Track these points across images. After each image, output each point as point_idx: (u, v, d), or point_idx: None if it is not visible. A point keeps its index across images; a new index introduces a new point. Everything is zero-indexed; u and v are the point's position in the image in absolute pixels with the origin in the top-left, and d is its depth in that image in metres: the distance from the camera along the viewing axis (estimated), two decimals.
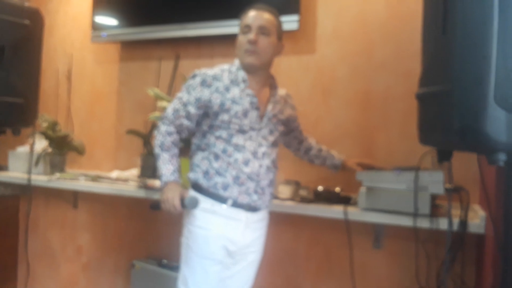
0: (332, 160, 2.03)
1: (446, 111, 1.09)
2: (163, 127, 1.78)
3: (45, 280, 3.11)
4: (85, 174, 2.69)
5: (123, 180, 2.55)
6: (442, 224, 1.69)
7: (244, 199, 1.72)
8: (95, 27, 2.88)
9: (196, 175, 1.77)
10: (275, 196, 1.97)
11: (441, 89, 1.12)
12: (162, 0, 2.68)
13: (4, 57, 2.14)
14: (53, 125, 2.79)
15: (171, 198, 1.68)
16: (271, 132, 1.80)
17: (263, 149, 1.76)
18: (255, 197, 1.74)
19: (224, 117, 1.71)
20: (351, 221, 1.90)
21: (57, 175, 2.68)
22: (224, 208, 1.72)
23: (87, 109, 3.06)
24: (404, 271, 2.08)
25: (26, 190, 2.85)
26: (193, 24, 2.54)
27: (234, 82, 1.75)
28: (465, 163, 1.78)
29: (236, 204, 1.72)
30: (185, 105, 1.75)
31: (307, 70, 2.38)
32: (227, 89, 1.73)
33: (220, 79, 1.74)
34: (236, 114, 1.71)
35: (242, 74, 1.76)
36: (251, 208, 1.75)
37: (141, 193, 2.29)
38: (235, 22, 2.38)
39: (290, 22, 2.28)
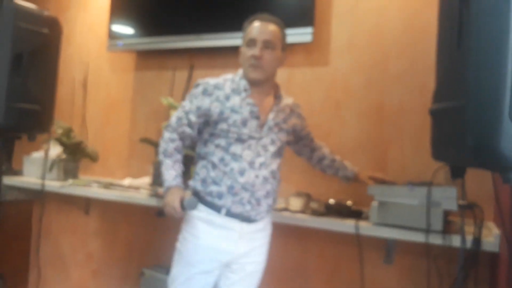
0: (345, 172, 2.01)
1: (459, 128, 1.07)
2: (166, 134, 1.83)
3: (55, 285, 3.13)
4: (98, 181, 2.71)
5: (135, 188, 2.57)
6: (455, 241, 1.67)
7: (237, 209, 1.72)
8: (112, 36, 2.93)
9: (195, 183, 1.80)
10: (274, 208, 1.94)
11: (455, 105, 1.11)
12: (177, 11, 2.71)
13: (22, 65, 2.17)
14: (68, 132, 2.82)
15: (171, 201, 1.71)
16: (272, 142, 1.79)
17: (261, 159, 1.74)
18: (248, 207, 1.73)
19: (223, 125, 1.73)
20: (362, 235, 1.88)
21: (70, 181, 2.71)
22: (219, 217, 1.73)
23: (102, 117, 3.10)
24: (416, 287, 2.05)
25: (40, 195, 2.89)
26: (207, 35, 2.56)
27: (235, 91, 1.77)
28: (479, 179, 1.75)
29: (230, 214, 1.73)
30: (187, 113, 1.79)
31: (320, 82, 2.38)
32: (227, 98, 1.75)
33: (221, 88, 1.77)
34: (234, 123, 1.73)
35: (244, 83, 1.77)
36: (246, 219, 1.75)
37: (153, 201, 2.29)
38: None
39: (304, 34, 2.29)
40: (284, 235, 2.34)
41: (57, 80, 2.45)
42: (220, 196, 1.73)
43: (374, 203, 1.84)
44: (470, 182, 1.58)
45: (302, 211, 2.06)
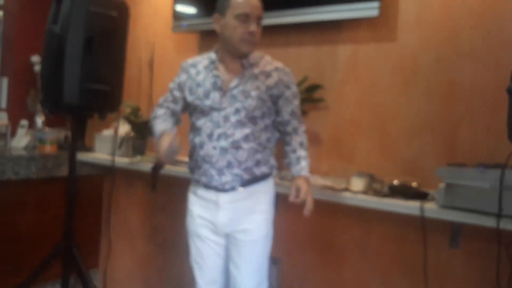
0: (291, 168, 1.87)
1: None
2: (155, 110, 2.00)
3: (124, 255, 3.32)
4: None
5: None
6: None
7: (203, 179, 1.85)
8: (176, 17, 2.98)
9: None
10: (248, 178, 1.84)
11: None
12: None
13: (93, 47, 2.28)
14: (136, 111, 2.95)
15: (160, 146, 1.77)
16: (236, 111, 1.77)
17: (219, 130, 1.78)
18: (211, 178, 1.81)
19: (191, 100, 1.85)
20: (427, 218, 1.82)
21: (138, 157, 2.83)
22: (199, 188, 1.89)
23: None
24: (483, 274, 1.96)
25: (110, 171, 3.05)
26: (268, 13, 2.50)
27: (207, 67, 1.86)
28: None
29: (205, 185, 1.86)
30: (171, 90, 1.97)
31: (387, 58, 2.29)
32: (198, 73, 1.87)
33: (196, 66, 1.89)
34: (198, 96, 1.82)
35: (213, 56, 1.85)
36: (220, 189, 1.82)
37: None
38: (308, 10, 2.37)
39: (370, 9, 2.20)
40: (346, 216, 2.31)
41: (125, 61, 2.54)
42: (192, 170, 1.91)
43: (442, 185, 1.77)
44: None
45: (364, 192, 2.03)
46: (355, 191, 2.04)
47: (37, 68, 3.25)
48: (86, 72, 2.28)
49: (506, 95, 1.41)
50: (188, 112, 1.95)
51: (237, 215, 1.85)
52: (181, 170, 2.55)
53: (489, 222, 1.64)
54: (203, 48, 3.01)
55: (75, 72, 2.25)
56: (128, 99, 3.00)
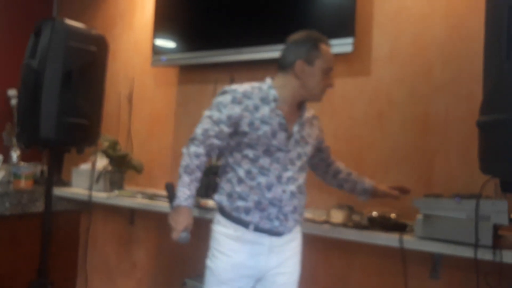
0: (363, 185, 1.94)
1: (510, 141, 1.04)
2: (192, 148, 1.69)
3: None
4: (142, 192, 2.78)
5: None
6: (506, 256, 1.60)
7: (265, 224, 1.69)
8: (155, 51, 3.02)
9: (220, 197, 1.76)
10: (301, 222, 1.87)
11: (505, 117, 1.07)
12: (218, 26, 2.77)
13: (72, 81, 2.27)
14: (114, 145, 2.92)
15: (176, 223, 1.66)
16: (299, 156, 1.76)
17: (288, 174, 1.71)
18: (276, 223, 1.70)
19: (253, 136, 1.68)
20: (407, 249, 1.83)
21: (116, 192, 2.79)
22: (247, 232, 1.70)
23: (146, 130, 3.19)
24: None
25: (87, 206, 3.00)
26: (247, 49, 2.60)
27: (264, 100, 1.71)
28: None
29: (258, 229, 1.70)
30: (216, 123, 1.69)
31: (362, 92, 2.35)
32: (256, 107, 1.70)
33: (250, 97, 1.71)
34: (265, 134, 1.68)
35: (273, 93, 1.72)
36: (274, 233, 1.72)
37: (195, 212, 2.32)
38: None
39: (344, 45, 2.27)
40: (326, 248, 2.31)
41: (104, 95, 2.54)
42: (247, 211, 1.69)
43: (419, 216, 1.80)
44: None
45: (344, 224, 2.03)
46: (335, 223, 2.04)
47: (14, 102, 3.22)
48: (64, 106, 2.26)
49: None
50: (235, 144, 1.73)
51: (285, 257, 1.78)
52: (160, 205, 2.52)
53: (467, 253, 1.66)
54: (182, 82, 3.04)
55: (52, 107, 2.24)
56: (107, 133, 2.98)
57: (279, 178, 1.69)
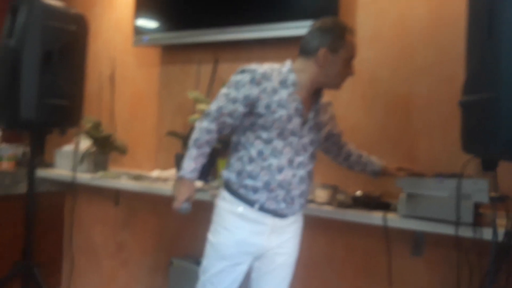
0: (373, 166, 1.99)
1: (492, 121, 1.05)
2: (204, 123, 1.72)
3: (88, 274, 3.23)
4: (127, 173, 2.77)
5: (163, 179, 2.61)
6: (487, 234, 1.63)
7: (271, 205, 1.72)
8: (137, 31, 2.96)
9: (229, 174, 1.78)
10: (306, 207, 1.91)
11: (487, 97, 1.08)
12: (201, 5, 2.72)
13: (52, 62, 2.23)
14: (97, 126, 2.89)
15: (179, 193, 1.74)
16: (311, 142, 1.77)
17: (300, 159, 1.73)
18: (283, 205, 1.73)
19: (268, 118, 1.67)
20: (390, 227, 1.87)
21: (100, 173, 2.77)
22: (251, 211, 1.73)
23: (129, 111, 3.15)
24: (445, 280, 2.02)
25: (71, 187, 2.97)
26: (231, 28, 2.56)
27: (283, 84, 1.70)
28: None
29: (263, 209, 1.72)
30: (232, 102, 1.69)
31: None
32: (274, 90, 1.68)
33: (269, 79, 1.69)
34: (280, 118, 1.67)
35: (292, 77, 1.71)
36: (278, 215, 1.75)
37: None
38: (272, 26, 2.42)
39: None
40: (311, 227, 2.32)
41: (85, 76, 2.50)
42: (255, 190, 1.71)
43: (402, 195, 1.82)
44: (502, 174, 1.54)
45: (329, 203, 2.06)
46: (320, 203, 2.06)
47: None
48: (44, 87, 2.23)
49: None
50: (249, 124, 1.73)
51: (287, 238, 1.82)
52: (144, 185, 2.51)
53: (449, 230, 1.70)
54: (165, 62, 2.99)
55: (32, 87, 2.20)
56: (89, 114, 2.94)
57: (290, 162, 1.71)
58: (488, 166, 1.27)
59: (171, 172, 2.70)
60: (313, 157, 1.81)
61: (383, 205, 1.96)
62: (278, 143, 1.69)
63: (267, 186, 1.70)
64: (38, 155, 2.91)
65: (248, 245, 1.75)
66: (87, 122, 2.84)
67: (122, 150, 2.93)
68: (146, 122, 3.06)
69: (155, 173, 2.73)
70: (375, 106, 2.27)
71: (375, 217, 1.88)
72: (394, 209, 1.92)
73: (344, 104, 2.32)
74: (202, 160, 1.76)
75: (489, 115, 1.09)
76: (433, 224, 1.75)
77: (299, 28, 2.31)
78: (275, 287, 1.85)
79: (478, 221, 1.67)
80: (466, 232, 1.67)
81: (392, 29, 2.24)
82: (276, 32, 2.41)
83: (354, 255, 2.28)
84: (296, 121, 1.70)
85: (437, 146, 2.12)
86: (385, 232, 1.97)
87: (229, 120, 1.72)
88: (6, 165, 2.93)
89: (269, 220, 1.74)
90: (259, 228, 1.74)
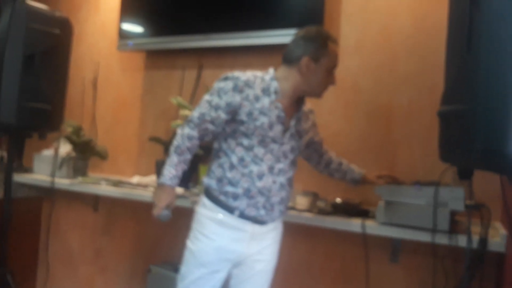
0: (352, 174, 2.01)
1: (468, 131, 1.09)
2: (186, 130, 1.74)
3: (64, 281, 3.17)
4: (107, 179, 2.74)
5: (143, 185, 2.60)
6: (461, 241, 1.68)
7: (251, 212, 1.73)
8: (122, 36, 2.95)
9: (209, 181, 1.78)
10: (286, 213, 1.92)
11: (464, 108, 1.12)
12: (186, 11, 2.73)
13: (34, 65, 2.20)
14: (78, 130, 2.86)
15: (159, 200, 1.74)
16: (292, 149, 1.79)
17: (280, 166, 1.74)
18: (263, 212, 1.73)
19: (250, 125, 1.69)
20: (368, 234, 1.90)
21: (80, 179, 2.74)
22: (231, 218, 1.73)
23: (112, 116, 3.13)
24: (421, 286, 2.07)
25: (50, 193, 2.92)
26: (216, 35, 2.58)
27: (265, 91, 1.72)
28: (487, 180, 1.75)
29: (243, 216, 1.73)
30: (215, 109, 1.70)
31: None
32: (256, 98, 1.70)
33: (252, 86, 1.70)
34: (262, 125, 1.69)
35: (275, 85, 1.72)
36: (258, 221, 1.76)
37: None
38: (257, 33, 2.45)
39: None
40: (291, 234, 2.34)
41: (68, 80, 2.48)
42: (235, 197, 1.72)
43: (381, 203, 1.86)
44: (477, 182, 1.59)
45: (309, 210, 2.08)
46: (300, 210, 2.09)
47: None
48: (25, 90, 2.19)
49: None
50: (231, 130, 1.74)
51: (265, 245, 1.82)
52: (124, 191, 2.50)
53: (426, 237, 1.73)
54: (149, 67, 2.99)
55: (12, 91, 2.16)
56: (71, 118, 2.92)
57: (271, 168, 1.72)
58: (464, 175, 1.30)
59: (151, 178, 2.68)
60: (293, 164, 1.82)
61: (362, 212, 2.00)
62: (259, 150, 1.71)
63: (247, 193, 1.71)
64: (16, 159, 2.87)
65: (227, 252, 1.75)
66: (68, 126, 2.81)
67: (103, 156, 2.91)
68: (128, 127, 3.05)
69: (136, 179, 2.72)
70: (357, 115, 2.32)
71: (354, 224, 1.91)
72: (372, 216, 1.95)
73: (327, 111, 2.36)
74: (183, 167, 1.76)
75: (465, 126, 1.12)
76: (410, 232, 1.78)
77: (283, 36, 2.34)
78: None
79: (454, 228, 1.72)
80: (442, 239, 1.71)
81: (376, 39, 2.30)
82: (261, 40, 2.44)
83: (333, 262, 2.30)
84: (277, 129, 1.72)
85: (416, 154, 2.17)
86: (364, 239, 2.00)
87: (211, 127, 1.73)
88: None
89: (249, 227, 1.75)
90: (239, 235, 1.75)
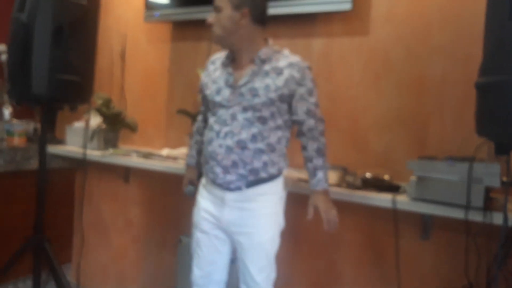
0: (309, 180, 1.86)
1: (508, 103, 1.03)
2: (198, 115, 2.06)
3: (98, 249, 3.27)
4: (137, 151, 2.78)
5: (172, 158, 2.62)
6: (496, 218, 1.62)
7: (211, 176, 1.82)
8: (148, 6, 2.93)
9: None
10: (259, 179, 1.78)
11: (505, 79, 1.06)
12: None
13: (63, 37, 2.21)
14: (107, 103, 2.89)
15: (183, 178, 2.08)
16: (244, 109, 1.72)
17: (226, 129, 1.75)
18: (217, 176, 1.79)
19: (206, 98, 1.87)
20: (399, 210, 1.86)
21: (110, 150, 2.79)
22: (208, 182, 1.87)
23: (140, 88, 3.14)
24: (452, 264, 2.02)
25: (82, 164, 2.99)
26: None
27: (223, 62, 1.84)
28: None
29: (209, 180, 1.85)
30: (199, 91, 1.96)
31: (359, 52, 2.31)
32: (215, 70, 1.86)
33: (215, 62, 1.89)
34: (211, 93, 1.82)
35: (225, 54, 1.84)
36: (224, 187, 1.79)
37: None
38: (285, 2, 2.37)
39: (343, 2, 2.22)
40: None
41: (96, 52, 2.49)
42: (202, 164, 1.91)
43: (413, 178, 1.81)
44: None
45: (338, 185, 2.05)
46: (329, 184, 2.05)
47: (4, 57, 3.14)
48: (55, 62, 2.22)
49: (474, 90, 1.45)
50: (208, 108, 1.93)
51: (243, 216, 1.80)
52: (155, 163, 2.52)
53: (458, 214, 1.69)
54: (176, 39, 2.97)
55: (43, 62, 2.19)
56: (100, 90, 2.94)
57: (218, 133, 1.78)
58: (502, 150, 1.25)
59: (181, 151, 2.70)
60: (249, 125, 1.72)
61: (393, 188, 1.95)
62: (211, 118, 1.83)
63: (204, 159, 1.86)
64: (49, 131, 2.94)
65: (205, 212, 1.88)
66: (97, 98, 2.84)
67: (133, 128, 2.94)
68: (157, 100, 3.06)
69: (165, 151, 2.74)
70: (387, 87, 2.24)
71: (385, 199, 1.87)
72: (403, 192, 1.91)
73: (357, 84, 2.29)
74: (196, 147, 2.05)
75: (505, 98, 1.06)
76: (442, 208, 1.74)
77: (311, 4, 2.30)
78: (256, 261, 1.82)
79: (488, 205, 1.66)
80: (475, 216, 1.65)
81: (408, 7, 2.19)
82: (288, 9, 2.37)
83: (362, 237, 2.28)
84: (225, 92, 1.77)
85: (449, 128, 2.09)
86: (394, 215, 1.96)
87: (202, 108, 2.00)
88: (17, 141, 2.95)
89: (219, 192, 1.82)
90: (212, 198, 1.86)
